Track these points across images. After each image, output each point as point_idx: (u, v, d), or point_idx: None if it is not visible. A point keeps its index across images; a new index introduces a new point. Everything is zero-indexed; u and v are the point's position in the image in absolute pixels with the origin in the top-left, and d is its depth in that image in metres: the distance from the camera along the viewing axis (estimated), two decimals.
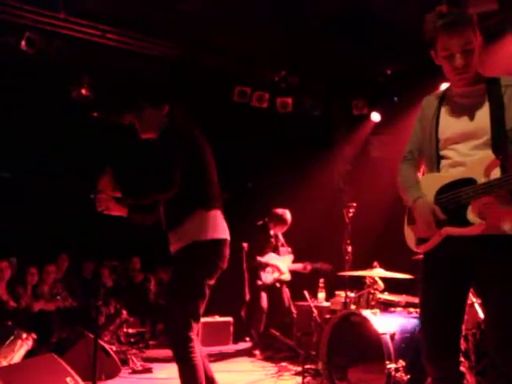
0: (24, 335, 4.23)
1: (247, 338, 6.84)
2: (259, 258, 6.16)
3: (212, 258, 2.88)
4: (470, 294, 3.61)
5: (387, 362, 3.62)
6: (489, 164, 2.17)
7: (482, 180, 2.17)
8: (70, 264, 6.57)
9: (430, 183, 2.36)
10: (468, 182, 2.20)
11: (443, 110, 2.39)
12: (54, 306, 5.86)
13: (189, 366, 2.78)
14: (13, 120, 6.11)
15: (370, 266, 4.45)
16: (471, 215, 2.19)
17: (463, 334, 2.39)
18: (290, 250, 6.47)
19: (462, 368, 2.35)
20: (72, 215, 6.35)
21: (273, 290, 6.23)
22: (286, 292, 6.32)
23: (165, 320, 3.03)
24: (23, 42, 5.39)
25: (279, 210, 6.28)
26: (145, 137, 3.07)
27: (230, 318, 6.83)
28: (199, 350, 2.87)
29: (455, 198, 2.23)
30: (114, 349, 5.26)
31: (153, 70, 5.96)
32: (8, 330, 4.25)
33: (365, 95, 7.11)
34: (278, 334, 5.51)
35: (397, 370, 3.62)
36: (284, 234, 6.50)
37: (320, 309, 5.54)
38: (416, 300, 4.34)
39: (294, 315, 6.01)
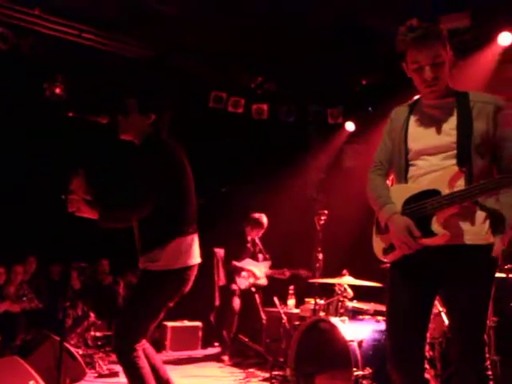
0: None
1: (216, 343, 6.81)
2: (235, 263, 6.15)
3: (178, 285, 2.92)
4: (437, 303, 3.67)
5: (354, 370, 3.63)
6: (452, 176, 2.23)
7: (446, 191, 2.22)
8: (38, 265, 6.45)
9: (398, 194, 2.40)
10: (433, 193, 2.25)
11: (412, 121, 2.43)
12: (19, 307, 5.74)
13: (134, 371, 2.81)
14: None
15: (339, 274, 4.49)
16: (435, 226, 2.23)
17: (429, 342, 2.43)
18: (267, 256, 6.48)
19: (426, 375, 2.39)
20: (42, 216, 6.23)
21: (247, 295, 6.22)
22: (258, 298, 6.31)
23: (115, 329, 3.04)
24: None
25: (256, 214, 6.34)
26: (123, 138, 3.05)
27: (198, 323, 6.79)
28: (152, 354, 2.92)
29: (420, 208, 2.28)
30: (81, 352, 5.18)
31: (128, 71, 5.90)
32: None
33: (340, 104, 7.18)
34: (246, 339, 5.50)
35: (364, 377, 3.64)
36: (260, 240, 6.51)
37: (289, 315, 5.55)
38: (384, 308, 4.37)
39: (264, 321, 6.01)
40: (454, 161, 2.27)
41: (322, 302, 4.68)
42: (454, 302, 2.30)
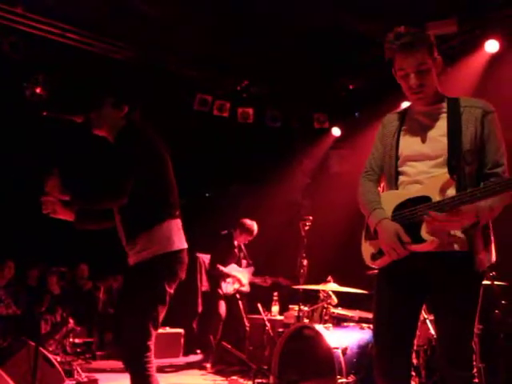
0: None
1: (198, 351, 6.72)
2: (221, 268, 6.05)
3: (175, 269, 2.82)
4: (422, 311, 3.64)
5: (338, 377, 3.60)
6: (443, 183, 2.22)
7: (436, 198, 2.21)
8: (15, 270, 6.31)
9: (388, 200, 2.39)
10: (423, 199, 2.24)
11: (404, 129, 2.43)
12: None
13: (144, 377, 2.68)
14: None
15: (324, 281, 4.45)
16: (424, 232, 2.21)
17: (415, 349, 2.39)
18: (251, 262, 6.41)
19: (412, 383, 2.35)
20: (19, 219, 6.11)
21: (231, 301, 6.15)
22: (241, 305, 6.24)
23: (119, 329, 2.91)
24: None
25: (248, 221, 6.24)
26: (97, 133, 2.98)
27: (180, 330, 6.70)
28: None
29: (410, 215, 2.27)
30: (59, 359, 5.07)
31: (112, 72, 5.83)
32: None
33: (326, 109, 7.16)
34: (229, 346, 5.43)
35: None
36: (245, 246, 6.44)
37: (273, 322, 5.50)
38: (369, 315, 4.35)
39: (247, 328, 5.94)
40: (442, 168, 2.26)
41: (307, 308, 4.64)
42: (442, 310, 2.28)
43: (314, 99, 7.09)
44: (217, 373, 5.78)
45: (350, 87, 6.73)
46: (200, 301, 6.57)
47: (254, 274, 6.32)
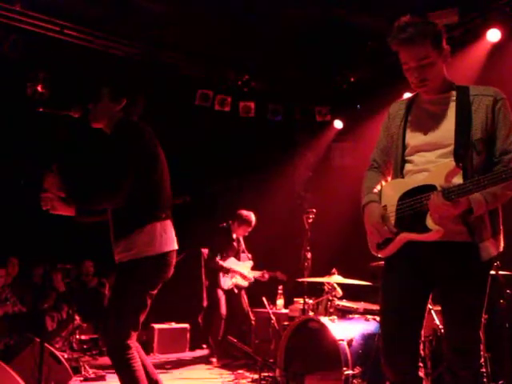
0: None
1: (204, 345, 6.73)
2: (220, 262, 6.03)
3: (158, 272, 2.85)
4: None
5: (344, 369, 3.60)
6: (449, 171, 2.18)
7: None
8: (20, 268, 6.32)
9: (393, 189, 2.38)
10: (429, 188, 2.21)
11: (411, 117, 2.40)
12: (1, 311, 5.62)
13: (128, 373, 2.73)
14: None
15: (328, 273, 4.44)
16: (430, 221, 2.19)
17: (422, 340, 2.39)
18: (250, 256, 6.40)
19: (420, 373, 2.34)
20: (23, 217, 6.10)
21: (231, 295, 6.14)
22: (245, 298, 6.24)
23: (103, 328, 2.95)
24: None
25: (244, 212, 6.21)
26: (95, 126, 2.98)
27: (186, 325, 6.70)
28: (141, 355, 2.84)
29: (415, 203, 2.25)
30: (66, 356, 5.10)
31: (112, 68, 5.82)
32: None
33: (328, 102, 7.14)
34: (235, 340, 5.43)
35: (354, 376, 3.61)
36: (244, 240, 6.43)
37: (278, 316, 5.51)
38: (374, 307, 4.35)
39: (253, 322, 5.95)
40: (451, 157, 2.23)
41: (311, 301, 4.63)
42: (448, 300, 2.27)
43: (316, 92, 7.07)
44: (223, 367, 5.80)
45: (352, 79, 6.70)
46: (205, 295, 6.57)
47: (253, 269, 6.31)
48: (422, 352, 3.65)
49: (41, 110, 2.90)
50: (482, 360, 2.24)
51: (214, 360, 5.95)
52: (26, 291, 6.17)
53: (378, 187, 2.47)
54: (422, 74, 2.25)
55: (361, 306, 4.54)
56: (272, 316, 5.29)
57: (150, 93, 5.64)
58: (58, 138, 2.87)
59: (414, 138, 2.35)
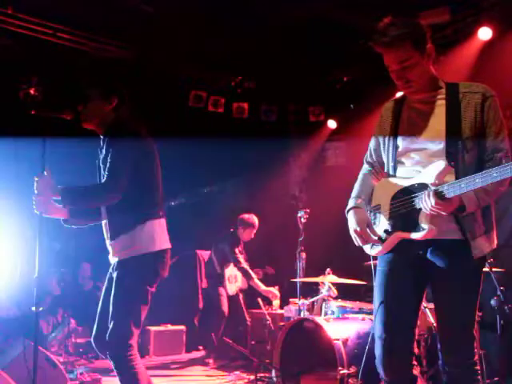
0: None
1: (200, 347, 6.72)
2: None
3: (157, 269, 2.86)
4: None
5: (340, 368, 3.60)
6: (441, 170, 2.18)
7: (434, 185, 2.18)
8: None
9: (386, 188, 2.39)
10: (422, 187, 2.22)
11: (401, 117, 2.40)
12: None
13: (130, 374, 2.73)
14: None
15: (323, 273, 4.45)
16: (423, 220, 2.20)
17: (416, 339, 2.39)
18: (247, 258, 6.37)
19: (414, 372, 2.35)
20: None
21: (233, 299, 6.15)
22: (241, 299, 6.24)
23: (102, 330, 2.93)
24: None
25: (246, 215, 6.21)
26: (86, 127, 2.98)
27: (182, 327, 6.69)
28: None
29: (408, 203, 2.26)
30: (62, 359, 5.07)
31: (103, 69, 5.81)
32: None
33: (321, 102, 7.15)
34: (231, 342, 5.43)
35: (349, 375, 3.61)
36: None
37: (274, 316, 5.50)
38: (369, 306, 4.36)
39: (248, 323, 5.94)
40: (442, 156, 2.23)
41: (307, 301, 4.64)
42: (441, 298, 2.28)
43: (309, 92, 7.07)
44: (219, 368, 5.79)
45: (345, 79, 6.71)
46: (201, 297, 6.56)
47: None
48: (417, 350, 3.68)
49: (33, 112, 2.89)
50: (476, 357, 2.24)
51: (211, 361, 5.94)
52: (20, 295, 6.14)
53: (369, 190, 2.48)
54: (405, 75, 2.24)
55: (356, 305, 4.55)
56: (267, 317, 5.29)
57: (143, 94, 5.68)
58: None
59: (405, 138, 2.35)
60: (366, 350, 2.65)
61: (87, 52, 5.85)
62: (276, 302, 5.92)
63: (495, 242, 2.30)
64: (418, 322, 2.39)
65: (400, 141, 2.37)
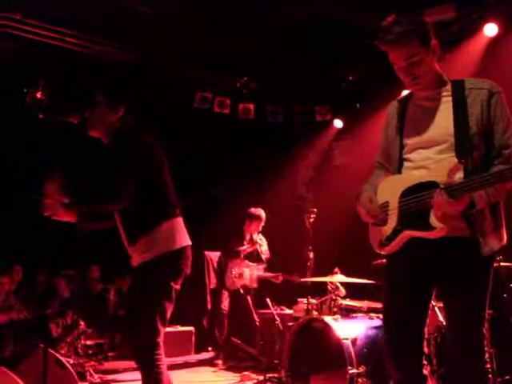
0: None
1: (209, 348, 6.73)
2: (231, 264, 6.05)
3: (180, 266, 2.87)
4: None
5: (349, 368, 3.59)
6: (451, 167, 2.16)
7: (444, 183, 2.15)
8: (24, 274, 6.33)
9: (394, 185, 2.36)
10: (431, 185, 2.19)
11: (408, 114, 2.39)
12: (7, 318, 5.63)
13: (154, 375, 2.72)
14: None
15: (331, 272, 4.44)
16: (433, 219, 2.17)
17: (426, 337, 2.38)
18: (263, 258, 6.36)
19: (424, 371, 2.33)
20: (26, 223, 6.11)
21: (237, 296, 6.14)
22: (249, 300, 6.23)
23: (128, 329, 2.94)
24: None
25: (252, 209, 6.26)
26: (92, 134, 2.99)
27: (191, 328, 6.70)
28: None
29: (418, 201, 2.23)
30: (71, 361, 5.09)
31: (111, 73, 5.83)
32: None
33: (327, 101, 7.13)
34: (239, 342, 5.43)
35: (359, 375, 3.60)
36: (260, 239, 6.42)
37: (282, 316, 5.49)
38: (377, 305, 4.35)
39: (257, 323, 5.94)
40: (449, 153, 2.22)
41: (315, 301, 4.63)
42: (451, 296, 2.26)
43: (315, 92, 7.06)
44: (228, 369, 5.79)
45: (350, 78, 6.70)
46: (209, 298, 6.57)
47: (266, 270, 6.31)
48: (426, 349, 3.66)
49: (41, 116, 2.91)
50: (487, 356, 2.22)
51: (220, 362, 5.95)
52: (29, 298, 6.18)
53: (378, 181, 2.48)
54: (412, 72, 2.24)
55: (364, 304, 4.54)
56: (276, 317, 5.28)
57: (148, 96, 5.69)
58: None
59: (411, 136, 2.34)
60: (375, 350, 2.64)
61: (92, 55, 5.87)
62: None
63: (505, 238, 2.27)
64: (428, 321, 2.37)
65: (406, 139, 2.36)
